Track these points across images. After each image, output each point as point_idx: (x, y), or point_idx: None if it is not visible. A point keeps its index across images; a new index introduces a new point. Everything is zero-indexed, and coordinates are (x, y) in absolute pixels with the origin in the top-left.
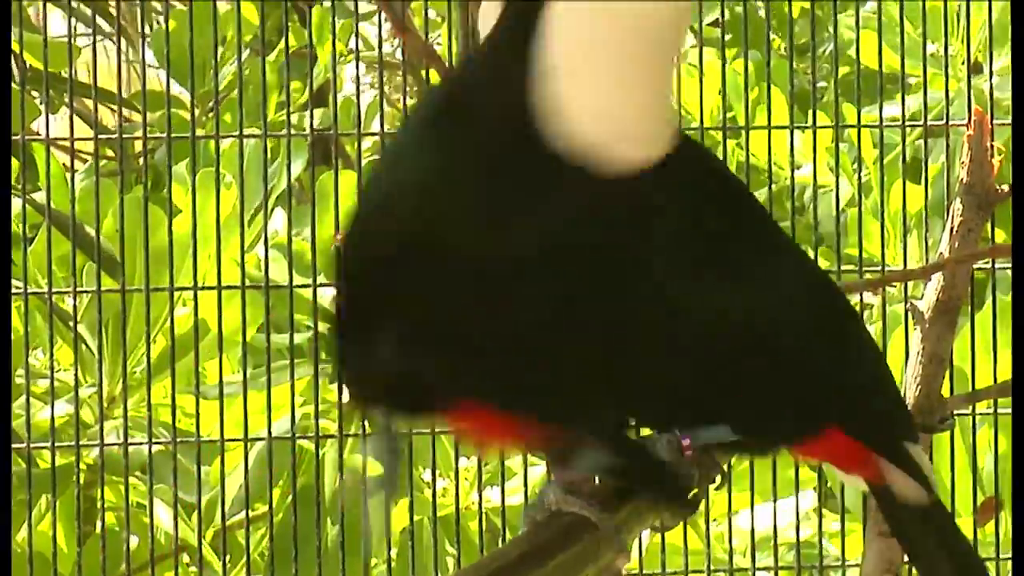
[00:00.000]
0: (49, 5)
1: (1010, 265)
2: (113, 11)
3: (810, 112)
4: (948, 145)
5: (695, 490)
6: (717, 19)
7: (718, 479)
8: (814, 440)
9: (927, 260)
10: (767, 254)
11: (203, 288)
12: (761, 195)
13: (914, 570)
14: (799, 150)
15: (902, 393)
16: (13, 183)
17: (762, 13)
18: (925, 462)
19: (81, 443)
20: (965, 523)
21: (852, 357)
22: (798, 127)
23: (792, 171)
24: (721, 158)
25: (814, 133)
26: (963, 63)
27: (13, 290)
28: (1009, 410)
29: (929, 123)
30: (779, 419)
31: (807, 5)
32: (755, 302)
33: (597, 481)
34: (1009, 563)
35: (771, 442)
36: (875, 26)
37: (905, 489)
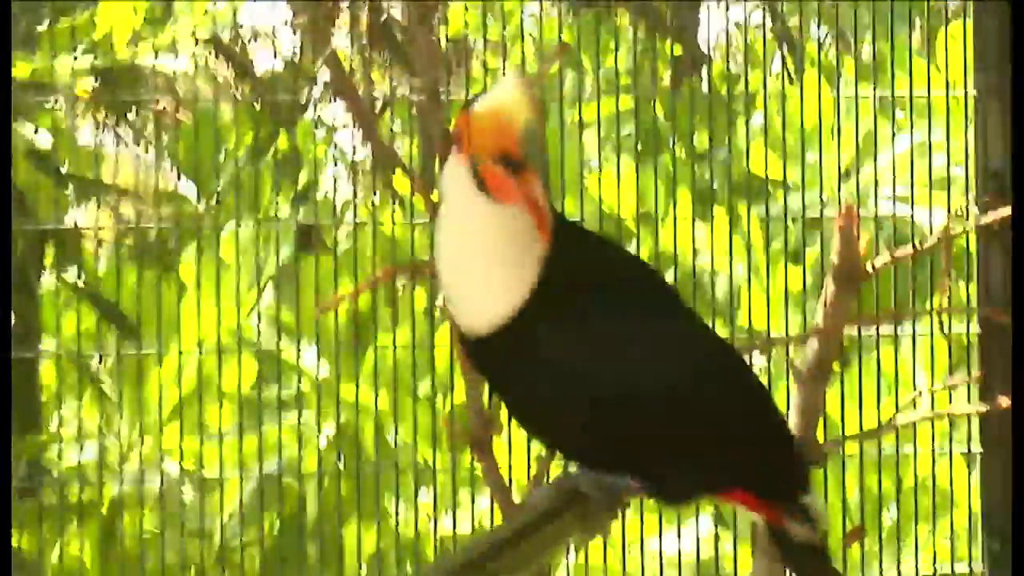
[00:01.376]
0: (79, 118)
1: (873, 332)
2: (132, 122)
3: (709, 208)
4: (823, 235)
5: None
6: (631, 132)
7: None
8: (720, 496)
9: (805, 329)
10: (675, 328)
11: (206, 351)
12: (668, 275)
13: None
14: (700, 239)
15: None
16: (50, 266)
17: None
18: (817, 505)
19: (104, 480)
20: (835, 547)
21: (752, 426)
22: (699, 220)
23: (694, 256)
24: (636, 245)
25: (712, 224)
26: (834, 168)
27: (49, 350)
28: (874, 451)
29: (807, 216)
30: (685, 483)
31: (706, 120)
32: (658, 382)
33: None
34: None
35: (683, 498)
36: (762, 138)
37: (797, 529)
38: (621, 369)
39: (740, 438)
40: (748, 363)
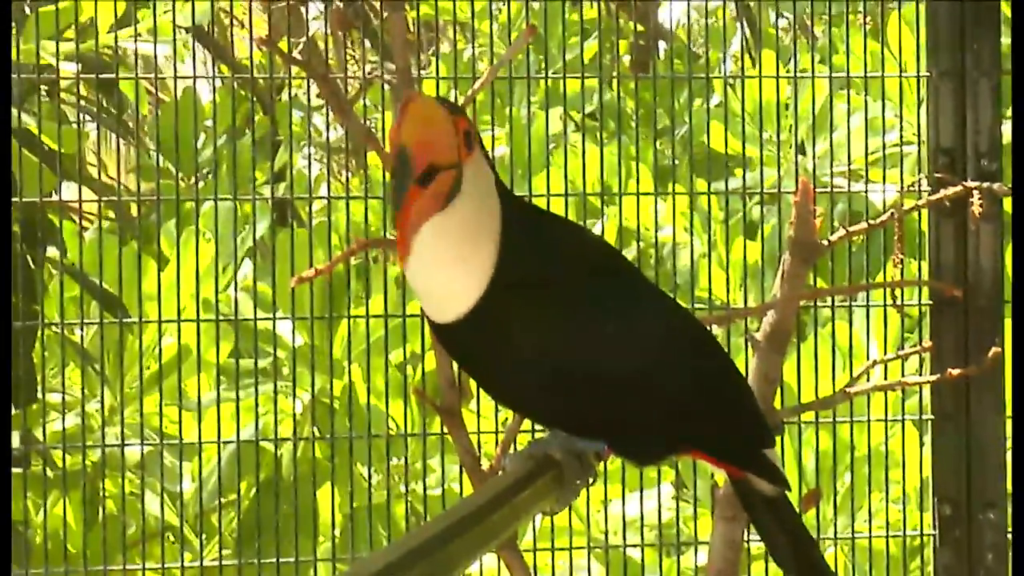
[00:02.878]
0: (63, 98)
1: (828, 304)
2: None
3: (670, 184)
4: (780, 210)
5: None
6: (594, 112)
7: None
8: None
9: (763, 301)
10: (632, 304)
11: (185, 321)
12: (631, 250)
13: (752, 545)
14: (661, 214)
15: None
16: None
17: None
18: (776, 458)
19: (87, 445)
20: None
21: (716, 393)
22: (660, 195)
23: (656, 231)
24: (600, 220)
25: (673, 200)
26: (791, 145)
27: (33, 323)
28: (829, 419)
29: (764, 192)
30: (647, 445)
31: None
32: (621, 356)
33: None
34: (826, 543)
35: (645, 458)
36: (721, 116)
37: (759, 483)
38: (583, 345)
39: (705, 406)
40: (708, 332)
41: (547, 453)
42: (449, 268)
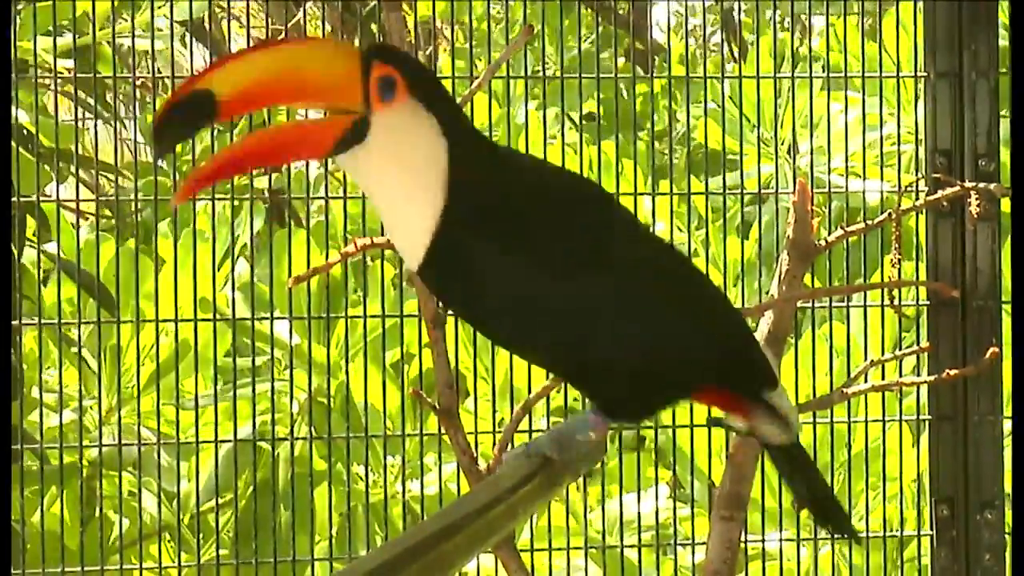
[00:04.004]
0: (60, 95)
1: (825, 304)
2: (111, 99)
3: (663, 183)
4: (778, 210)
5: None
6: (591, 113)
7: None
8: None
9: (757, 300)
10: (603, 233)
11: (182, 320)
12: None
13: (749, 546)
14: (657, 212)
15: None
16: (31, 238)
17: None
18: (786, 404)
19: (84, 444)
20: (787, 508)
21: (707, 316)
22: (658, 194)
23: (652, 228)
24: None
25: (671, 199)
26: (783, 143)
27: (30, 322)
28: (826, 419)
29: (761, 192)
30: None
31: (664, 100)
32: (589, 279)
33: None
34: (823, 542)
35: (637, 409)
36: (716, 116)
37: (770, 433)
38: (544, 279)
39: (704, 334)
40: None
41: (540, 452)
42: (398, 210)
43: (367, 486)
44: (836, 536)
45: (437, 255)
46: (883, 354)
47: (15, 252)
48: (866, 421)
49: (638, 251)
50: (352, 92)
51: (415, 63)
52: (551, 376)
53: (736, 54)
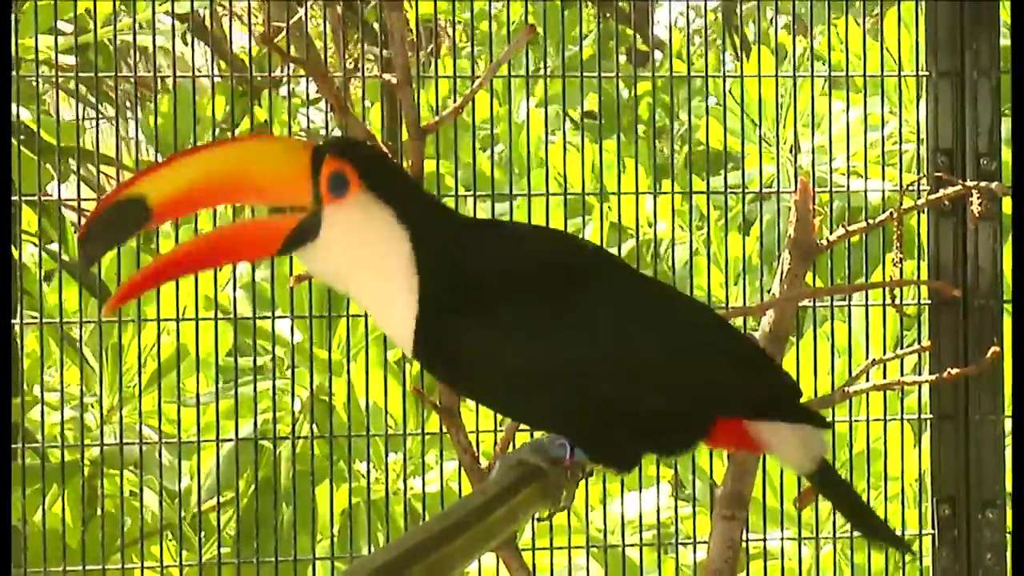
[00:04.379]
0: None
1: (826, 303)
2: (112, 96)
3: (666, 182)
4: (779, 209)
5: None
6: (592, 111)
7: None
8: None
9: (759, 298)
10: (579, 300)
11: (184, 319)
12: (627, 246)
13: (751, 545)
14: (658, 211)
15: None
16: (33, 236)
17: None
18: (804, 438)
19: (85, 443)
20: (789, 508)
21: (702, 350)
22: (660, 193)
23: (655, 227)
24: (586, 217)
25: (672, 198)
26: (785, 143)
27: (32, 320)
28: (827, 418)
29: (763, 191)
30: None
31: (665, 97)
32: (565, 349)
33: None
34: (824, 541)
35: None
36: (718, 115)
37: (791, 461)
38: (522, 355)
39: (701, 368)
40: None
41: (524, 460)
42: (374, 302)
43: (369, 484)
44: (890, 546)
45: (422, 340)
46: (884, 353)
47: (16, 252)
48: (867, 420)
49: (613, 306)
50: (301, 190)
51: (369, 154)
52: None
53: (738, 50)
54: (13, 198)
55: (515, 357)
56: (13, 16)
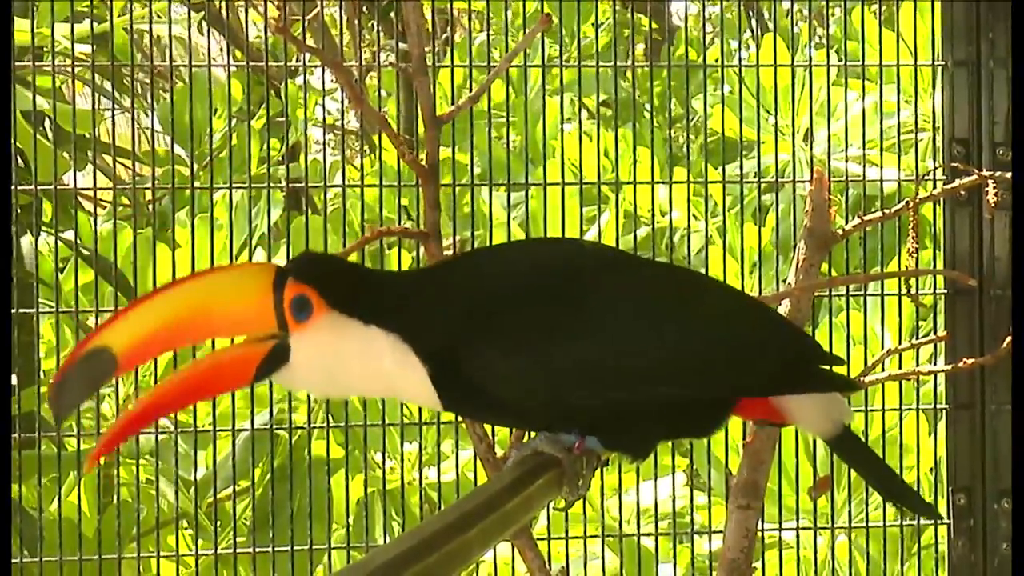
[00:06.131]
0: (76, 81)
1: (842, 293)
2: (128, 86)
3: (680, 171)
4: (794, 198)
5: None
6: (607, 99)
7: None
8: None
9: (777, 289)
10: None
11: None
12: (641, 235)
13: (765, 536)
14: (673, 200)
15: None
16: (47, 225)
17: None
18: (826, 402)
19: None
20: (803, 497)
21: (719, 330)
22: (675, 182)
23: (670, 216)
24: (611, 206)
25: (688, 187)
26: (799, 131)
27: (48, 309)
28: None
29: (779, 180)
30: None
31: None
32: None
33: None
34: (839, 530)
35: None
36: (731, 103)
37: (814, 426)
38: (555, 354)
39: (716, 351)
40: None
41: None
42: (384, 390)
43: (384, 474)
44: (919, 515)
45: (445, 393)
46: (900, 343)
47: (32, 240)
48: (883, 410)
49: (613, 313)
50: (265, 319)
51: (329, 272)
52: None
53: (757, 38)
54: (29, 187)
55: (532, 372)
56: (31, 6)
